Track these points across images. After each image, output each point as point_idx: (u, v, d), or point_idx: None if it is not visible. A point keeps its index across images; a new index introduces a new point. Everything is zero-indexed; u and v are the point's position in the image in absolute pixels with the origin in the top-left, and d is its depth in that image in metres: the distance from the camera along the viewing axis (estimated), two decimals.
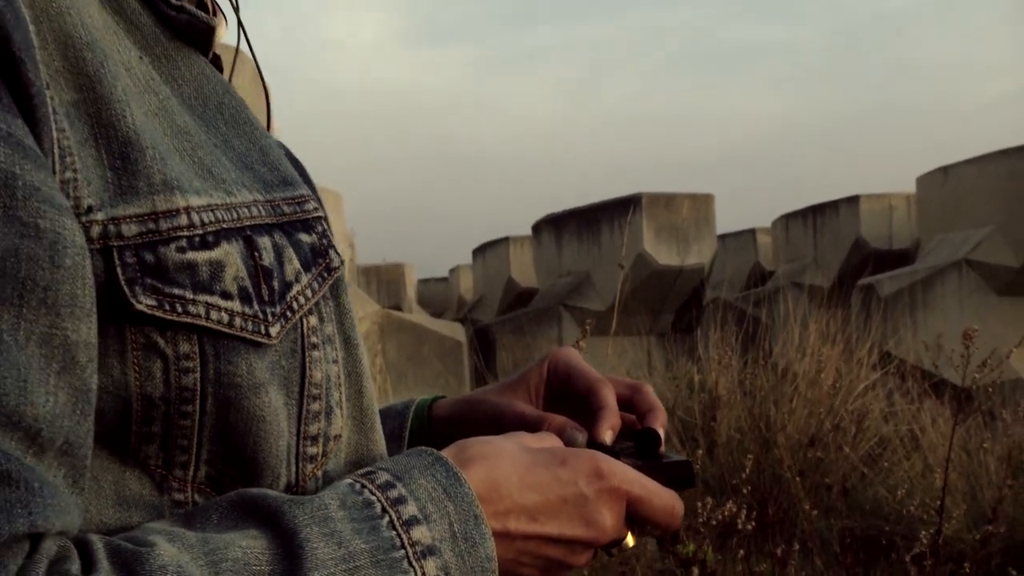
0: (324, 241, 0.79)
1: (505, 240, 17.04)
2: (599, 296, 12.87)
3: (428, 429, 1.04)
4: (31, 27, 0.63)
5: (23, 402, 0.55)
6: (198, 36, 0.80)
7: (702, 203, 12.84)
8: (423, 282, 22.86)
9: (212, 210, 0.70)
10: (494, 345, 12.31)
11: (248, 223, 0.72)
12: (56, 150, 0.62)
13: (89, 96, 0.66)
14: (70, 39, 0.66)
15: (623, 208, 12.61)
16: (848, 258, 14.37)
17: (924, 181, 13.05)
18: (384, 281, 17.45)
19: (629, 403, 1.01)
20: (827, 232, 14.90)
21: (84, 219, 0.63)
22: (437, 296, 22.64)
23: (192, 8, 0.79)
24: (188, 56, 0.79)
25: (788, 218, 15.67)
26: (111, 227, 0.65)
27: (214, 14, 0.85)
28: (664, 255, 12.50)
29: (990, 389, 5.79)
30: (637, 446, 0.94)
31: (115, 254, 0.64)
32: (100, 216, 0.64)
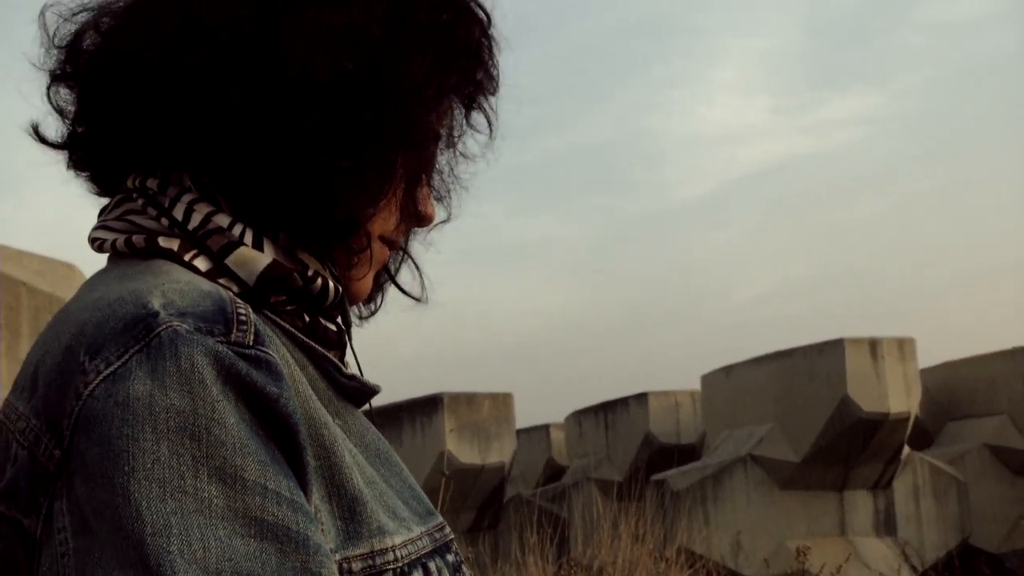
0: (458, 558, 0.97)
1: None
2: None
3: None
4: None
5: None
6: (361, 397, 0.97)
7: (502, 402, 13.14)
8: None
9: (405, 546, 0.88)
10: None
11: (423, 552, 0.91)
12: (313, 507, 0.81)
13: (325, 464, 0.84)
14: (313, 421, 0.84)
15: (425, 408, 12.75)
16: (639, 453, 14.88)
17: (708, 379, 13.80)
18: None
19: None
20: (618, 428, 15.43)
21: None
22: None
23: (361, 378, 0.97)
24: (351, 411, 0.95)
25: (580, 414, 16.16)
26: (344, 564, 0.83)
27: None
28: (466, 454, 12.64)
29: None
30: None
31: None
32: (337, 556, 0.83)
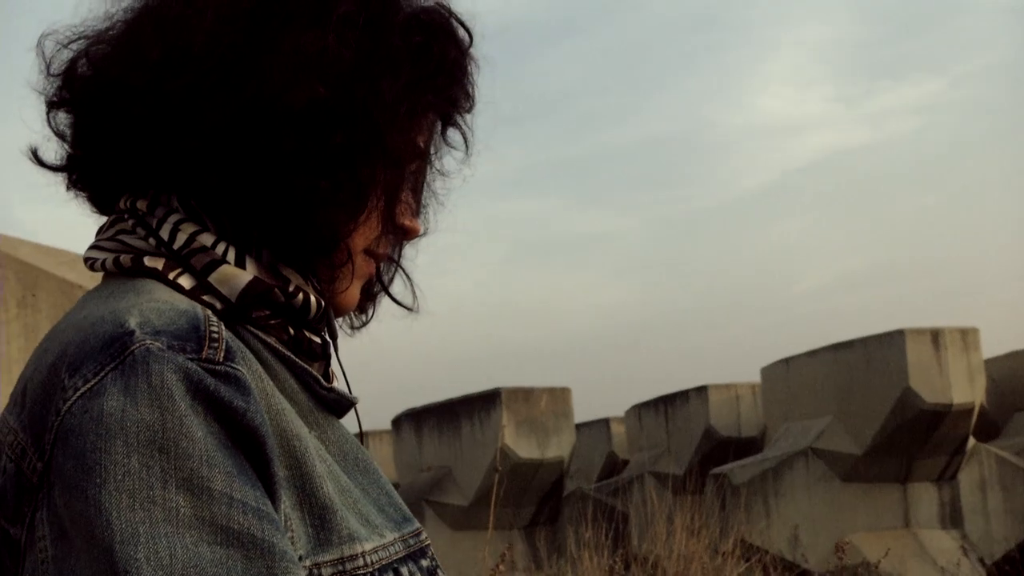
0: (434, 563, 1.01)
1: (364, 435, 16.94)
2: (461, 491, 12.90)
3: None
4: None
5: None
6: (340, 408, 1.01)
7: (560, 396, 13.17)
8: None
9: (375, 551, 0.92)
10: None
11: (395, 558, 0.95)
12: (282, 516, 0.85)
13: (296, 473, 0.88)
14: (285, 433, 0.89)
15: (483, 403, 12.83)
16: (699, 446, 14.82)
17: (768, 372, 13.71)
18: None
19: None
20: (678, 421, 15.38)
21: None
22: None
23: (340, 390, 1.01)
24: (331, 421, 0.99)
25: (641, 408, 16.14)
26: (315, 570, 0.87)
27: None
28: (524, 448, 12.69)
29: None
30: None
31: None
32: (307, 563, 0.87)
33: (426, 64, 0.99)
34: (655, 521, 7.96)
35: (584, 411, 16.45)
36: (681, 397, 15.48)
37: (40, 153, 1.02)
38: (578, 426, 15.29)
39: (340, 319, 1.11)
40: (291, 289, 0.96)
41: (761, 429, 14.27)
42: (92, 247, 0.99)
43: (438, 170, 1.11)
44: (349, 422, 1.09)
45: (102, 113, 0.96)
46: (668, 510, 8.07)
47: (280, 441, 0.88)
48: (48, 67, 1.00)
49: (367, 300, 1.14)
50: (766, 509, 11.85)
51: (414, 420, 14.04)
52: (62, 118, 1.01)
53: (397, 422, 14.41)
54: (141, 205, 0.97)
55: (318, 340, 1.01)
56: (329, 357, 1.03)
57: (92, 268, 0.98)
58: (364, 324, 1.15)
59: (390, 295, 1.16)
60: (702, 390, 15.15)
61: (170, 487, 0.78)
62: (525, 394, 12.92)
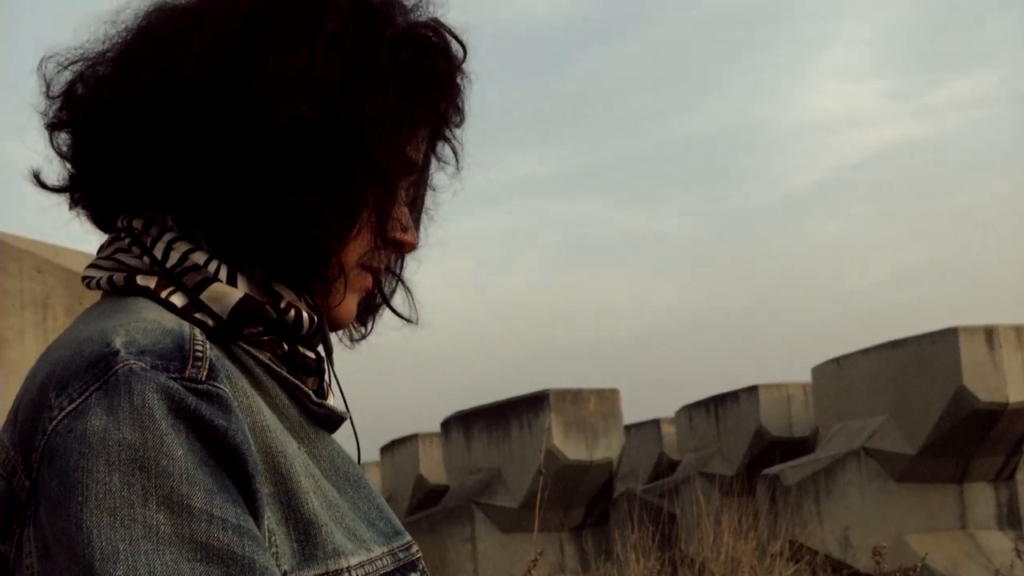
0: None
1: (414, 437, 17.06)
2: (510, 493, 12.91)
3: None
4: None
5: None
6: (331, 423, 1.02)
7: (608, 398, 13.14)
8: None
9: (362, 566, 0.93)
10: None
11: (383, 572, 0.96)
12: (266, 532, 0.87)
13: (281, 489, 0.90)
14: (269, 450, 0.90)
15: (531, 405, 12.83)
16: (750, 447, 14.71)
17: (819, 371, 13.57)
18: None
19: None
20: (729, 421, 15.28)
21: None
22: None
23: (330, 405, 1.02)
24: (322, 436, 1.01)
25: (691, 408, 16.05)
26: None
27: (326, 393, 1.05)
28: (573, 450, 12.67)
29: None
30: None
31: None
32: None
33: (415, 80, 1.00)
34: (702, 523, 7.91)
35: (634, 412, 16.40)
36: (731, 397, 15.38)
37: (43, 174, 1.04)
38: (628, 427, 15.25)
39: (339, 332, 1.12)
40: (283, 305, 0.97)
41: (813, 429, 14.13)
42: (90, 266, 1.01)
43: (429, 186, 1.11)
44: (353, 431, 1.11)
45: (99, 134, 0.98)
46: (715, 512, 8.02)
47: (265, 458, 0.89)
48: (48, 89, 1.02)
49: (368, 313, 1.15)
50: (818, 510, 11.74)
51: (463, 422, 14.08)
52: (63, 139, 1.03)
53: (446, 424, 14.46)
54: (137, 224, 0.98)
55: (312, 355, 1.02)
56: (323, 372, 1.04)
57: (88, 286, 0.99)
58: (363, 337, 1.16)
59: (391, 307, 1.17)
60: (752, 390, 15.04)
61: (150, 505, 0.79)
62: (573, 395, 12.90)
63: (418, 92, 1.00)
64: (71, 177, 1.03)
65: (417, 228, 1.14)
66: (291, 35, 0.96)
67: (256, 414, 0.90)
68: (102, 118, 0.97)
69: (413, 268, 1.18)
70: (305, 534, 0.90)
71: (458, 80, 1.05)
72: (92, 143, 0.99)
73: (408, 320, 1.17)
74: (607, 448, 12.94)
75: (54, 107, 1.02)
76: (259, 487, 0.86)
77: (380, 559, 0.96)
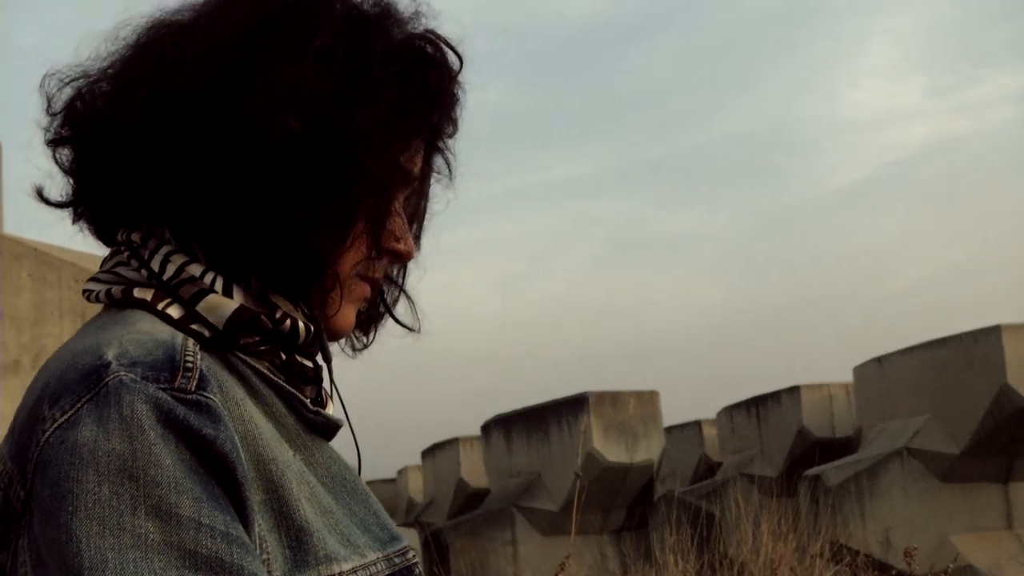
0: None
1: (455, 441, 17.10)
2: (551, 496, 12.90)
3: None
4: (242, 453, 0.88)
5: None
6: (327, 431, 1.04)
7: (648, 400, 13.10)
8: (370, 483, 22.58)
9: (355, 571, 0.94)
10: (448, 550, 12.21)
11: None
12: (257, 539, 0.88)
13: (273, 497, 0.91)
14: (261, 458, 0.91)
15: (571, 407, 12.82)
16: (792, 448, 14.60)
17: (861, 371, 13.45)
18: None
19: None
20: (771, 422, 15.18)
21: None
22: (386, 498, 22.40)
23: (326, 413, 1.03)
24: (319, 443, 1.02)
25: (732, 409, 15.96)
26: None
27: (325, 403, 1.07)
28: (613, 452, 12.65)
29: None
30: None
31: None
32: None
33: (407, 92, 1.01)
34: (741, 524, 7.87)
35: (675, 413, 16.33)
36: (773, 398, 15.28)
37: (47, 190, 1.07)
38: (669, 429, 15.19)
39: (340, 342, 1.13)
40: (278, 315, 0.99)
41: (856, 429, 14.00)
42: (91, 279, 1.03)
43: (418, 193, 1.12)
44: (353, 438, 1.12)
45: (99, 149, 1.00)
46: (755, 513, 7.97)
47: (256, 466, 0.90)
48: (50, 105, 1.05)
49: (370, 322, 1.16)
50: (860, 511, 11.63)
51: (503, 426, 14.09)
52: (65, 154, 1.05)
53: (487, 428, 14.48)
54: (135, 237, 1.00)
55: (310, 364, 1.03)
56: (322, 380, 1.06)
57: (89, 300, 1.01)
58: (365, 347, 1.18)
59: (393, 316, 1.18)
60: (794, 390, 14.93)
61: (139, 514, 0.81)
62: (612, 398, 12.88)
63: (410, 104, 1.01)
64: (74, 192, 1.05)
65: (419, 238, 1.15)
66: (283, 50, 0.97)
67: (248, 423, 0.92)
68: (101, 134, 0.99)
69: (416, 277, 1.20)
70: (297, 540, 0.91)
71: (452, 91, 1.06)
72: (92, 158, 1.01)
73: (410, 329, 1.18)
74: (647, 450, 12.90)
75: (55, 123, 1.04)
76: (249, 495, 0.87)
77: (374, 564, 0.97)
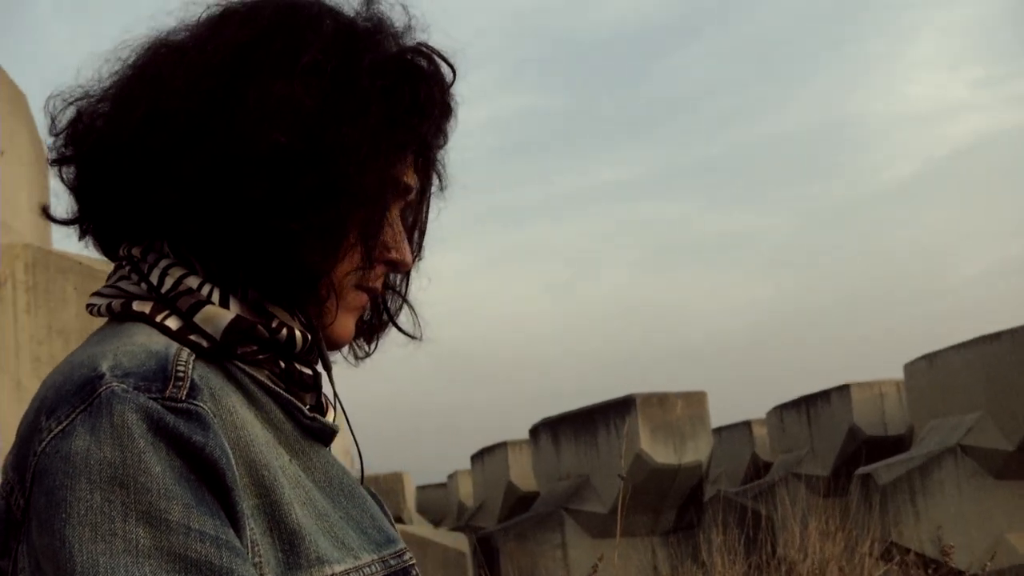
0: None
1: (503, 445, 17.12)
2: (600, 499, 12.88)
3: None
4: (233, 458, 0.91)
5: None
6: (324, 436, 1.06)
7: (695, 400, 13.03)
8: (421, 488, 22.70)
9: (347, 573, 0.96)
10: (497, 554, 12.24)
11: None
12: (249, 543, 0.91)
13: (265, 501, 0.94)
14: (253, 463, 0.94)
15: (618, 409, 12.79)
16: (843, 447, 14.46)
17: (912, 368, 13.29)
18: (383, 491, 17.37)
19: None
20: (821, 422, 15.04)
21: None
22: (436, 503, 22.47)
23: (323, 419, 1.06)
24: (316, 448, 1.04)
25: (782, 409, 15.83)
26: None
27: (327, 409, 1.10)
28: (661, 454, 12.60)
29: None
30: None
31: None
32: None
33: (396, 104, 1.03)
34: (789, 524, 7.81)
35: (724, 414, 16.24)
36: (823, 397, 15.13)
37: (53, 208, 1.10)
38: (718, 430, 15.10)
39: (344, 350, 1.16)
40: (274, 325, 1.02)
41: (908, 427, 13.83)
42: (94, 294, 1.06)
43: (408, 204, 1.14)
44: (355, 443, 1.14)
45: (99, 168, 1.03)
46: (802, 512, 7.91)
47: (248, 471, 0.93)
48: (54, 125, 1.08)
49: (372, 331, 1.19)
50: (913, 509, 11.49)
51: (551, 429, 14.09)
52: (69, 173, 1.08)
53: (535, 431, 14.49)
54: (136, 252, 1.04)
55: (309, 372, 1.06)
56: (320, 388, 1.08)
57: (91, 314, 1.05)
58: (367, 355, 1.20)
59: (395, 324, 1.20)
60: (844, 389, 14.78)
61: (130, 520, 0.84)
62: (660, 399, 12.82)
63: (399, 116, 1.04)
64: (78, 209, 1.09)
65: (420, 248, 1.17)
66: (273, 67, 1.00)
67: (240, 429, 0.95)
68: (101, 153, 1.03)
69: (420, 285, 1.22)
70: (289, 544, 0.94)
71: (444, 102, 1.08)
72: (94, 176, 1.05)
73: (412, 337, 1.21)
74: (695, 451, 12.83)
75: (59, 142, 1.08)
76: (239, 499, 0.90)
77: (369, 566, 0.99)
